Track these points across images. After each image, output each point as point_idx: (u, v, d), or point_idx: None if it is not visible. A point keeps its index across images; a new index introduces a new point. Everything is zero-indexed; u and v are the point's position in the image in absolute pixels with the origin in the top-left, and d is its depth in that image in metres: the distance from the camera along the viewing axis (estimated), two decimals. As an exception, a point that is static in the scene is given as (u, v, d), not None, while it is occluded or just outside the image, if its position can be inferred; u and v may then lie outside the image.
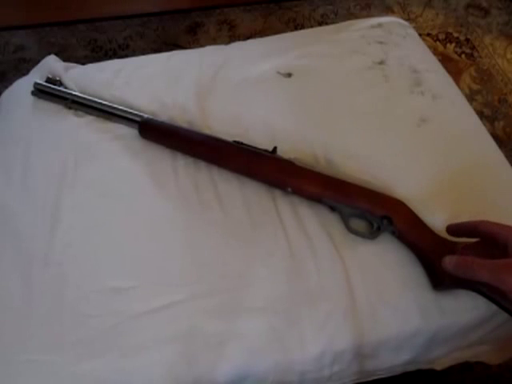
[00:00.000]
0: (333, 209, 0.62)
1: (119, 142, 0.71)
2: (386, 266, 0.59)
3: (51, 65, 0.81)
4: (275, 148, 0.65)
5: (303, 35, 0.92)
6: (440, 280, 0.56)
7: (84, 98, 0.74)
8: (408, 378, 0.71)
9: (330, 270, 0.59)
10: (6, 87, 0.81)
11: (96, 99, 0.73)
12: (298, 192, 0.63)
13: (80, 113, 0.74)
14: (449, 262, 0.50)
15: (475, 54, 1.54)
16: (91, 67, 0.85)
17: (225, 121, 0.72)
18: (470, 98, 1.41)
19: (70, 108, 0.74)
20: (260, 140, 0.67)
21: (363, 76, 0.79)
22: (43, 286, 0.58)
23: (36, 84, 0.75)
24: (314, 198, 0.62)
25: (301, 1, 1.68)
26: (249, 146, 0.65)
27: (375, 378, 0.65)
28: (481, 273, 0.46)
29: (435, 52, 1.48)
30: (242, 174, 0.66)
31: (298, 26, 1.61)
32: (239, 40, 0.93)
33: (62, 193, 0.65)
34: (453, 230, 0.56)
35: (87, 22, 1.58)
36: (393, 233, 0.59)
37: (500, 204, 0.64)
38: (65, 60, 0.84)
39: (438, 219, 0.60)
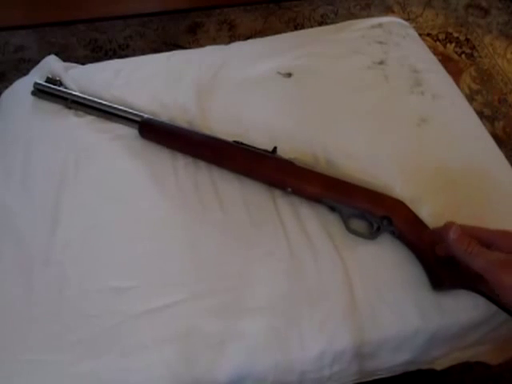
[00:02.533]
0: (333, 209, 0.62)
1: (119, 142, 0.71)
2: (385, 266, 0.59)
3: (51, 65, 0.81)
4: (275, 148, 0.65)
5: (303, 35, 0.92)
6: (440, 280, 0.56)
7: (84, 98, 0.74)
8: (408, 378, 0.71)
9: (330, 270, 0.59)
10: (6, 87, 0.81)
11: (96, 99, 0.73)
12: (298, 192, 0.63)
13: (80, 113, 0.74)
14: (454, 231, 0.46)
15: (475, 54, 1.54)
16: (91, 67, 0.85)
17: (225, 121, 0.72)
18: (470, 97, 1.41)
19: (70, 108, 0.74)
20: (260, 140, 0.67)
21: (363, 76, 0.79)
22: (43, 286, 0.58)
23: (36, 84, 0.75)
24: (313, 198, 0.62)
25: (301, 1, 1.68)
26: (249, 146, 0.65)
27: (375, 377, 0.65)
28: (477, 259, 0.43)
29: (435, 52, 1.48)
30: (241, 174, 0.66)
31: (297, 26, 1.61)
32: (239, 40, 0.93)
33: (62, 193, 0.65)
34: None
35: (87, 22, 1.58)
36: (393, 233, 0.59)
37: (500, 204, 0.64)
38: (65, 60, 0.84)
39: (438, 219, 0.60)
